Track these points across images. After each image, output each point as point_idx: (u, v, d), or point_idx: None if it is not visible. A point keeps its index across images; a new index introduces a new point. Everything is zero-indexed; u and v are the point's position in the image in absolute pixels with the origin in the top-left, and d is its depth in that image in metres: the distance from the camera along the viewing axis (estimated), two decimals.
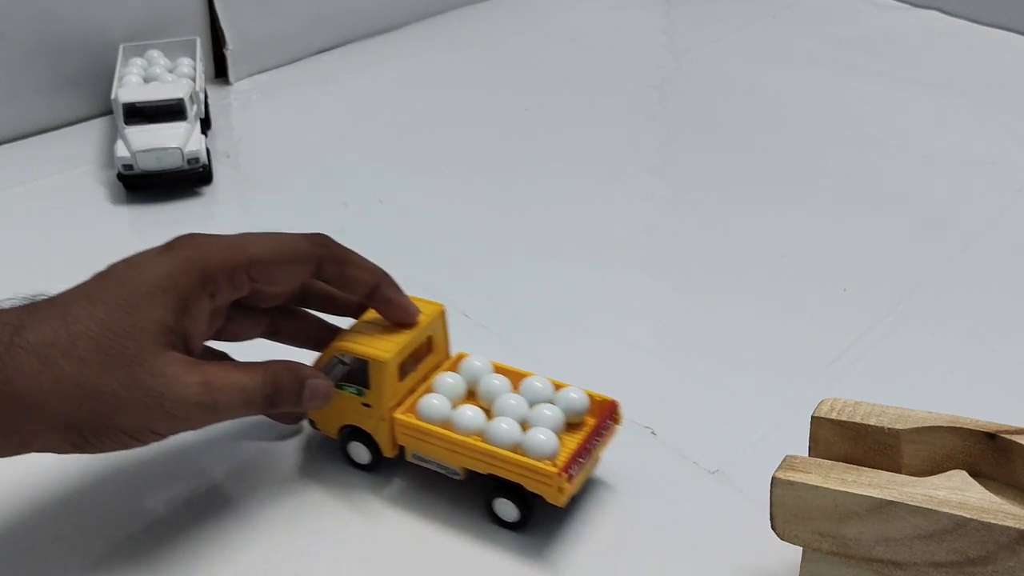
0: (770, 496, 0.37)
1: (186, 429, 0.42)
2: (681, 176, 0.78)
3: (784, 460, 0.38)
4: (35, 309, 0.39)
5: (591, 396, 0.46)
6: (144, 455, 0.47)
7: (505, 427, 0.44)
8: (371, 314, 0.48)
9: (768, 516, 0.38)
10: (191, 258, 0.42)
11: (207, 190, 0.73)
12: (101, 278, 0.41)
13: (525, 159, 0.79)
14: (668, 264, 0.66)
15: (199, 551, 0.44)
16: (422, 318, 0.47)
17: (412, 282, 0.62)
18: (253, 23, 0.90)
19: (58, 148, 0.79)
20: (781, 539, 0.38)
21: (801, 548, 0.38)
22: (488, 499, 0.45)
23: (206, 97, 0.80)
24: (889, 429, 0.38)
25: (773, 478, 0.37)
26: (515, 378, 0.48)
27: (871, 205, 0.72)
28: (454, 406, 0.46)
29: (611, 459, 0.47)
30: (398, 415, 0.46)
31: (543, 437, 0.43)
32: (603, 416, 0.46)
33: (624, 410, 0.46)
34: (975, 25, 1.03)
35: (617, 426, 0.47)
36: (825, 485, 0.36)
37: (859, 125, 0.84)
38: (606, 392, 0.46)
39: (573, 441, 0.44)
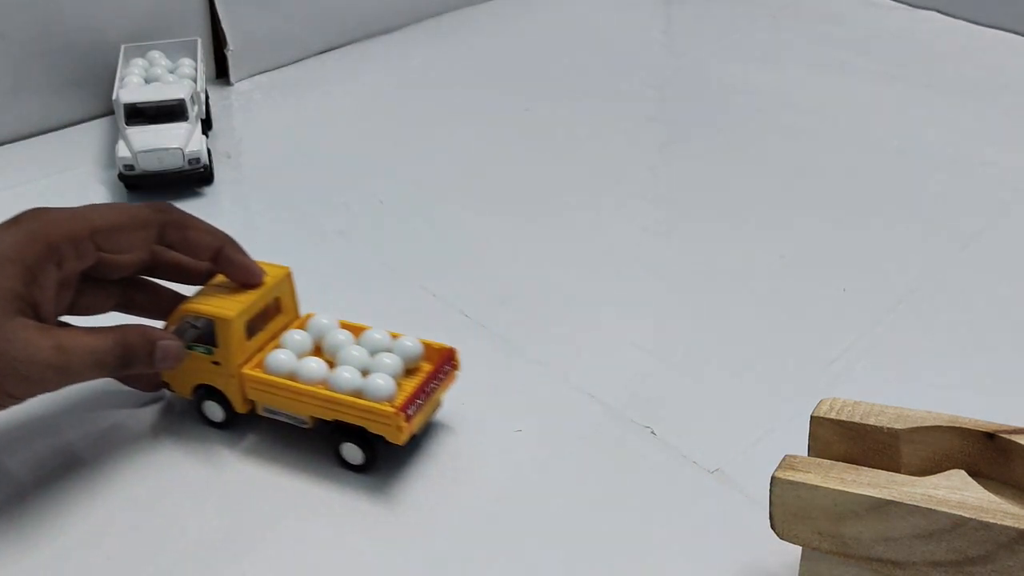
0: (770, 496, 0.37)
1: (41, 391, 0.43)
2: (681, 176, 0.78)
3: (784, 460, 0.38)
4: None
5: (427, 344, 0.49)
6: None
7: (347, 375, 0.46)
8: (219, 278, 0.49)
9: (768, 516, 0.38)
10: (35, 230, 0.43)
11: (208, 190, 0.73)
12: None
13: (525, 159, 0.79)
14: (668, 264, 0.66)
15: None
16: (268, 280, 0.49)
17: (411, 281, 0.62)
18: (254, 24, 0.91)
19: (59, 148, 0.80)
20: (781, 539, 0.38)
21: (801, 548, 0.38)
22: (335, 445, 0.47)
23: (207, 98, 0.80)
24: (888, 429, 0.38)
25: (773, 478, 0.37)
26: (359, 333, 0.50)
27: (871, 205, 0.72)
28: (300, 360, 0.48)
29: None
30: (246, 370, 0.47)
31: (381, 382, 0.46)
32: (441, 362, 0.48)
33: (624, 410, 0.46)
34: (975, 25, 1.03)
35: (456, 371, 0.49)
36: (825, 485, 0.36)
37: (859, 125, 0.84)
38: (606, 392, 0.46)
39: (411, 385, 0.47)
